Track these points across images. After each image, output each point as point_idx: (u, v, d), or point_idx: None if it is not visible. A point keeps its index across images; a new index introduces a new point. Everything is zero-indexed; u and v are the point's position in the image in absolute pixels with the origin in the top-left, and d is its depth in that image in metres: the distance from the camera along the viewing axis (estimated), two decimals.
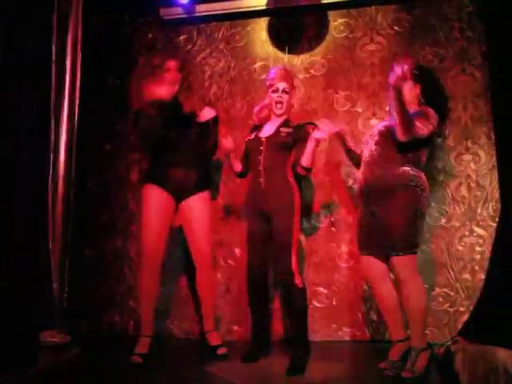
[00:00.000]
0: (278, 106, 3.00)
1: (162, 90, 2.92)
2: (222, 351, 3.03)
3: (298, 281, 2.80)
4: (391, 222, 2.59)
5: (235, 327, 3.67)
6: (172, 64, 3.08)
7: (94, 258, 3.87)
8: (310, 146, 2.81)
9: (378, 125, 2.89)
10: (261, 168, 2.92)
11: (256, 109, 3.17)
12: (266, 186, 2.90)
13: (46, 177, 2.58)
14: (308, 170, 2.90)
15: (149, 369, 2.81)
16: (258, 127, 3.11)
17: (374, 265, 2.73)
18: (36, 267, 2.39)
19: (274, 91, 3.01)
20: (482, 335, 1.98)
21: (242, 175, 3.18)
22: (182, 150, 3.04)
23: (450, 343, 2.10)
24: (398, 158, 2.65)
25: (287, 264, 2.80)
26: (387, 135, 2.70)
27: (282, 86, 2.98)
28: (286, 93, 3.00)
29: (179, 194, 3.05)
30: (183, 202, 3.07)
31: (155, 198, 2.99)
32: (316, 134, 2.77)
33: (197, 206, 3.06)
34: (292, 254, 2.82)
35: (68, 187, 2.63)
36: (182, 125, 3.07)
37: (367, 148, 2.80)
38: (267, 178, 2.90)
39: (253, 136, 3.04)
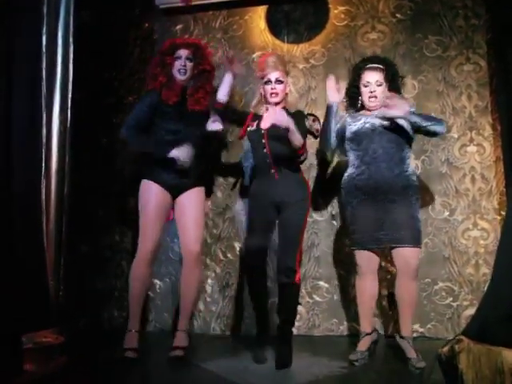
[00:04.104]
0: (273, 95, 2.90)
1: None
2: (174, 353, 2.85)
3: (297, 279, 2.76)
4: (404, 217, 2.69)
5: (233, 322, 3.62)
6: (182, 53, 3.01)
7: (92, 253, 3.81)
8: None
9: (366, 121, 2.83)
10: (269, 161, 2.84)
11: (253, 103, 3.08)
12: (280, 179, 2.82)
13: (38, 172, 2.50)
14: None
15: (144, 366, 2.77)
16: (257, 117, 2.98)
17: (372, 258, 2.82)
18: (30, 265, 2.33)
19: (266, 83, 2.91)
20: (488, 335, 1.91)
21: (219, 107, 2.96)
22: (182, 145, 2.94)
23: (454, 342, 2.02)
24: (399, 155, 2.75)
25: (292, 261, 2.73)
26: (386, 132, 2.75)
27: (274, 76, 2.89)
28: (280, 82, 2.90)
29: (176, 190, 2.99)
30: (179, 197, 3.02)
31: (152, 194, 2.93)
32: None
33: (191, 201, 3.00)
34: (298, 251, 2.76)
35: (61, 182, 2.56)
36: (186, 120, 3.00)
37: (361, 145, 2.81)
38: (280, 170, 2.83)
39: (254, 126, 2.94)
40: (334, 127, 2.89)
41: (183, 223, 3.00)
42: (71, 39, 2.58)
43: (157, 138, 2.95)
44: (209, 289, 3.67)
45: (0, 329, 1.97)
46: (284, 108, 2.94)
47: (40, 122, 2.55)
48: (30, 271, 2.31)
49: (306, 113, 3.64)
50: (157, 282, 3.75)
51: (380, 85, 2.83)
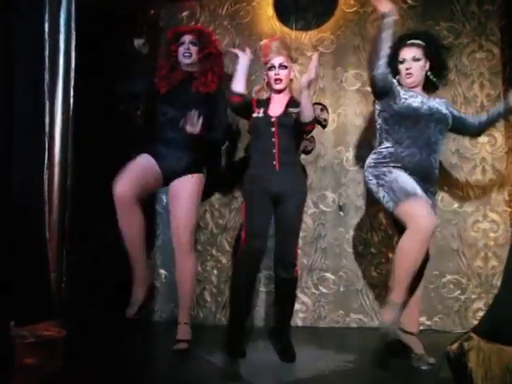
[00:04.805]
0: (277, 82, 2.78)
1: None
2: (178, 346, 2.78)
3: (296, 272, 2.73)
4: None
5: None
6: (186, 38, 2.97)
7: (97, 242, 3.74)
8: (303, 96, 2.60)
9: (424, 102, 2.60)
10: (275, 151, 2.70)
11: (256, 88, 2.99)
12: (280, 169, 2.70)
13: (41, 162, 2.43)
14: (311, 123, 2.71)
15: (148, 357, 2.74)
16: (262, 103, 2.86)
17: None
18: (31, 257, 2.28)
19: (270, 68, 2.79)
20: (499, 335, 1.84)
21: (238, 101, 2.76)
22: (177, 129, 2.85)
23: (463, 339, 1.96)
24: (440, 148, 2.63)
25: (291, 255, 2.69)
26: (440, 120, 2.60)
27: (278, 61, 2.77)
28: (284, 67, 2.77)
29: (169, 172, 2.90)
30: (172, 184, 2.92)
31: (144, 157, 2.87)
32: (304, 79, 2.60)
33: (183, 190, 2.89)
34: (297, 243, 2.71)
35: (64, 172, 2.49)
36: (179, 103, 2.91)
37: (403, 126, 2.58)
38: (281, 161, 2.70)
39: (261, 113, 2.79)
40: (387, 47, 2.51)
41: (174, 212, 2.91)
42: (73, 25, 2.48)
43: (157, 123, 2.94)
44: (214, 279, 3.62)
45: None
46: (292, 98, 2.84)
47: (43, 111, 2.47)
48: (31, 263, 2.26)
49: (313, 102, 3.57)
50: (162, 271, 3.70)
51: (417, 60, 2.64)
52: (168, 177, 2.91)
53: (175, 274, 2.99)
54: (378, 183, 2.55)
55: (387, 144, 2.61)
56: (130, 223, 2.80)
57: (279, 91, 2.82)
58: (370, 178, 2.59)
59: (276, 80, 2.78)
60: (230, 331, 2.76)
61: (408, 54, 2.65)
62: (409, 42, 2.69)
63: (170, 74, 2.97)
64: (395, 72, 2.69)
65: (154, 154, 2.90)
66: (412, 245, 2.36)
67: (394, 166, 2.55)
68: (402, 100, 2.59)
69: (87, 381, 2.27)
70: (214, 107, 2.96)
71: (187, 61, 2.96)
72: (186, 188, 2.89)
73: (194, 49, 2.97)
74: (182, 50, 2.96)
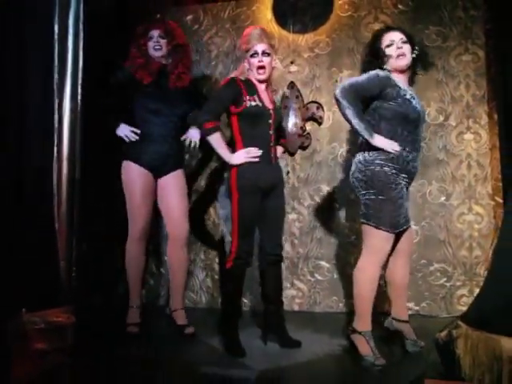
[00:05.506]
0: (261, 71, 2.48)
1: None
2: (189, 331, 2.74)
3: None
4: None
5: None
6: (154, 32, 2.84)
7: (106, 231, 3.65)
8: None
9: (416, 101, 2.36)
10: (272, 144, 2.54)
11: (237, 72, 2.57)
12: (275, 163, 2.59)
13: (50, 157, 2.35)
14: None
15: (149, 340, 2.66)
16: (250, 89, 2.49)
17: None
18: (39, 246, 2.20)
19: (252, 55, 2.47)
20: (487, 323, 1.75)
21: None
22: (163, 125, 2.78)
23: (451, 327, 1.87)
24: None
25: (280, 239, 2.61)
26: (418, 119, 2.36)
27: (261, 48, 2.46)
28: (267, 55, 2.48)
29: (157, 171, 2.81)
30: (161, 180, 2.84)
31: (135, 175, 2.77)
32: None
33: (173, 185, 2.82)
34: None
35: (72, 167, 2.39)
36: (167, 99, 2.79)
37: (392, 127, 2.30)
38: (275, 154, 2.58)
39: (257, 101, 2.46)
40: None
41: (167, 207, 2.84)
42: (81, 27, 2.38)
43: (138, 117, 2.76)
44: (216, 267, 3.53)
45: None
46: (272, 94, 2.66)
47: (52, 108, 2.38)
48: (41, 252, 2.19)
49: (310, 100, 3.47)
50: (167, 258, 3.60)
51: (405, 42, 2.33)
52: (156, 174, 2.83)
53: (169, 264, 2.91)
54: (368, 187, 2.30)
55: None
56: (139, 257, 2.87)
57: (262, 81, 2.54)
58: (366, 174, 2.31)
59: (259, 68, 2.48)
60: (229, 334, 2.47)
61: (395, 36, 2.36)
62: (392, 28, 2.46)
63: (148, 64, 2.82)
64: (381, 60, 2.38)
65: (138, 156, 2.77)
66: (366, 266, 2.33)
67: (397, 174, 2.29)
68: (407, 102, 2.30)
69: (93, 365, 2.19)
70: (192, 98, 2.88)
71: (158, 53, 2.84)
72: (175, 182, 2.83)
73: (163, 42, 2.85)
74: (151, 44, 2.84)
